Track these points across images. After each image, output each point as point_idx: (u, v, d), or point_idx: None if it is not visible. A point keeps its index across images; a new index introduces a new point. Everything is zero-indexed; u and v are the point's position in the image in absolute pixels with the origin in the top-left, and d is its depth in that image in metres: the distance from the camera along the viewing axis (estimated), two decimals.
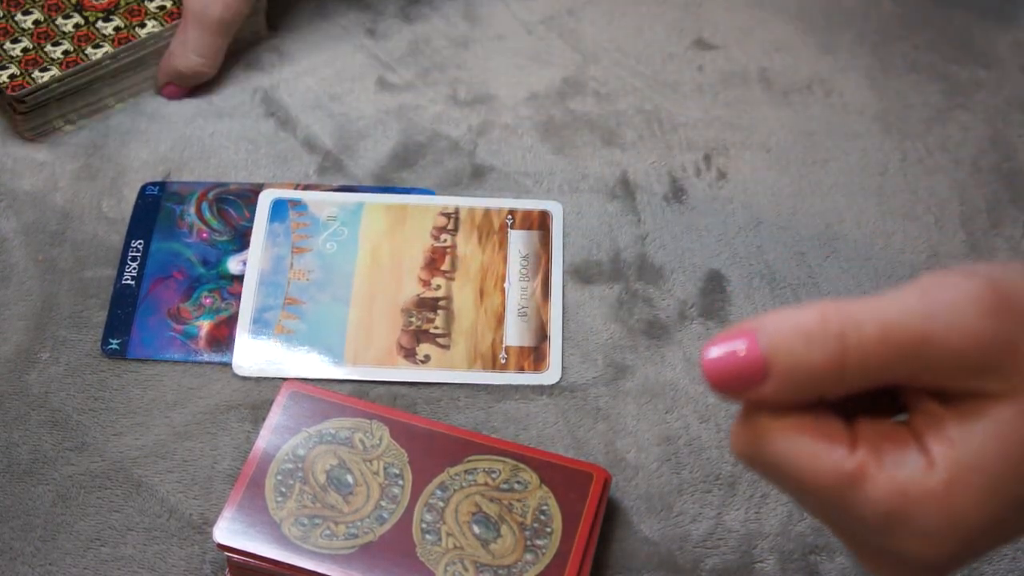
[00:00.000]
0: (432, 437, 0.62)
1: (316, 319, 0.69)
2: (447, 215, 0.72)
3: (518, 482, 0.61)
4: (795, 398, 0.42)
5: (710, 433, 0.66)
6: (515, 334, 0.68)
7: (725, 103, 0.78)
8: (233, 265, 0.71)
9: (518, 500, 0.60)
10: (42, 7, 0.77)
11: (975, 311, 0.41)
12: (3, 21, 0.76)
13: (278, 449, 0.61)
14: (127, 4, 0.77)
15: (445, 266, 0.70)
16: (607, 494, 0.61)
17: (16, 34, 0.76)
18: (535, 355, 0.68)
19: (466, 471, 0.61)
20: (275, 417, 0.62)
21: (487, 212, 0.72)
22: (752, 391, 0.42)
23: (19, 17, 0.77)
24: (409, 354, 0.67)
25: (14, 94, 0.73)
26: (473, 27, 0.82)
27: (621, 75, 0.80)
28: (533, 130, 0.77)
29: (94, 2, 0.77)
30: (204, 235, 0.71)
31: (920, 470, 0.42)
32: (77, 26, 0.76)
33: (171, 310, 0.69)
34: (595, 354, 0.68)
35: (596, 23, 0.82)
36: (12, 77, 0.74)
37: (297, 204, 0.72)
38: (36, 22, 0.76)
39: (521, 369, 0.67)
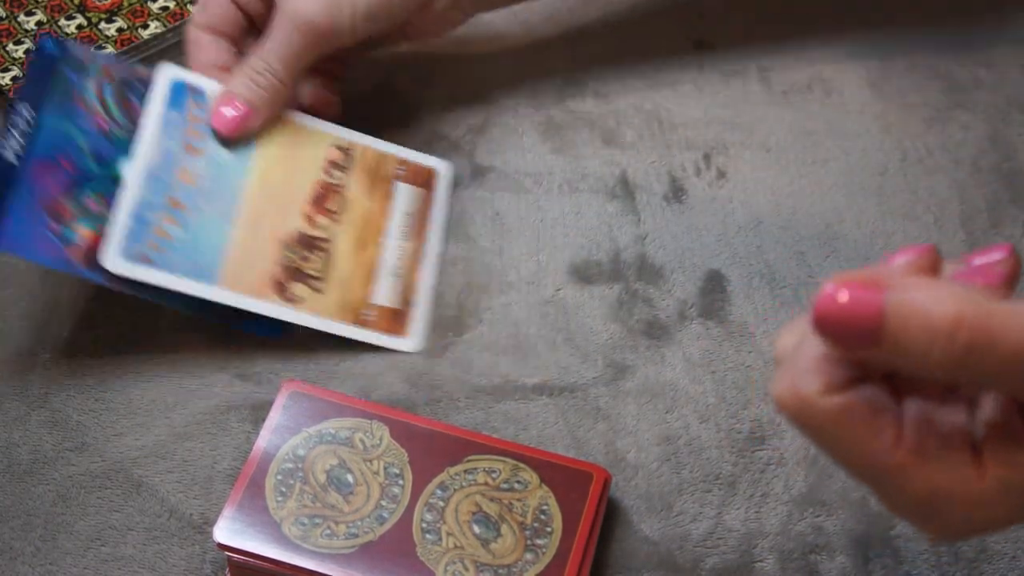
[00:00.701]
0: (432, 437, 0.62)
1: (197, 230, 0.64)
2: (342, 149, 0.70)
3: (518, 482, 0.61)
4: (895, 369, 0.41)
5: (710, 433, 0.66)
6: (384, 293, 0.66)
7: (725, 102, 0.78)
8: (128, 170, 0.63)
9: (518, 500, 0.60)
10: (45, 8, 0.77)
11: None
12: (6, 22, 0.77)
13: (278, 449, 0.61)
14: (130, 5, 0.77)
15: (331, 205, 0.68)
16: (607, 494, 0.61)
17: (19, 35, 0.76)
18: (397, 318, 0.66)
19: (466, 471, 0.61)
20: (275, 417, 0.62)
21: (381, 157, 0.70)
22: (855, 347, 0.40)
23: (22, 18, 0.77)
24: (281, 290, 0.66)
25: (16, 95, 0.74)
26: (474, 26, 0.82)
27: (621, 74, 0.80)
28: (533, 129, 0.77)
29: (97, 3, 0.77)
30: (102, 123, 0.63)
31: (966, 479, 0.41)
32: (80, 27, 0.77)
33: (49, 203, 0.60)
34: (595, 354, 0.68)
35: (597, 22, 0.83)
36: (15, 79, 0.74)
37: (198, 93, 0.68)
38: (39, 23, 0.77)
39: (383, 330, 0.66)
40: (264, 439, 0.62)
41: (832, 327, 0.40)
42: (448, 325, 0.69)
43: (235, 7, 0.70)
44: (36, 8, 0.77)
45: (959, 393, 0.44)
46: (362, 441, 0.62)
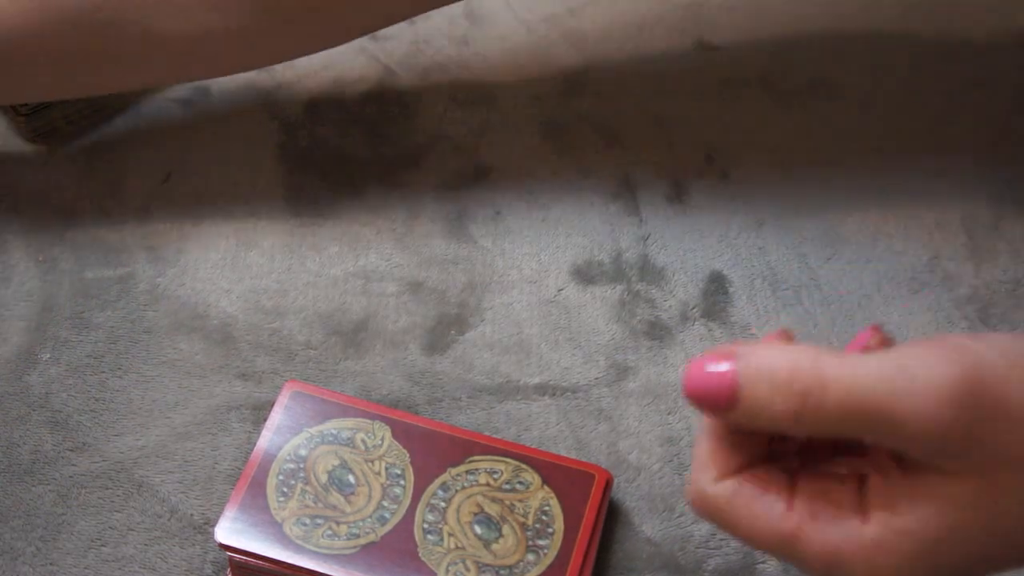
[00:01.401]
0: (434, 437, 0.62)
1: None
2: None
3: (520, 482, 0.61)
4: (757, 428, 0.44)
5: None
6: None
7: (727, 103, 0.78)
8: None
9: (520, 500, 0.60)
10: None
11: (941, 398, 0.42)
12: None
13: (280, 449, 0.61)
14: None
15: None
16: (609, 494, 0.61)
17: None
18: None
19: (468, 471, 0.61)
20: (277, 417, 0.62)
21: None
22: (719, 414, 0.44)
23: None
24: None
25: None
26: (474, 26, 0.82)
27: (623, 75, 0.80)
28: (534, 129, 0.77)
29: None
30: None
31: (854, 528, 0.44)
32: None
33: None
34: (597, 355, 0.68)
35: (597, 22, 0.83)
36: None
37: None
38: None
39: None
40: (265, 439, 0.61)
41: (698, 397, 0.44)
42: (450, 324, 0.69)
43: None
44: None
45: (848, 450, 0.46)
46: (364, 441, 0.62)
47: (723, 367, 0.44)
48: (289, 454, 0.61)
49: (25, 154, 0.75)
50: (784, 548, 0.45)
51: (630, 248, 0.72)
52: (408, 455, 0.61)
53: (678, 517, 0.63)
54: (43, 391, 0.66)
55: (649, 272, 0.71)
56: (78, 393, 0.66)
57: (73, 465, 0.64)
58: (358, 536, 0.59)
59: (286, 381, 0.64)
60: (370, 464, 0.61)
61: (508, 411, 0.66)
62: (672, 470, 0.64)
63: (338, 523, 0.59)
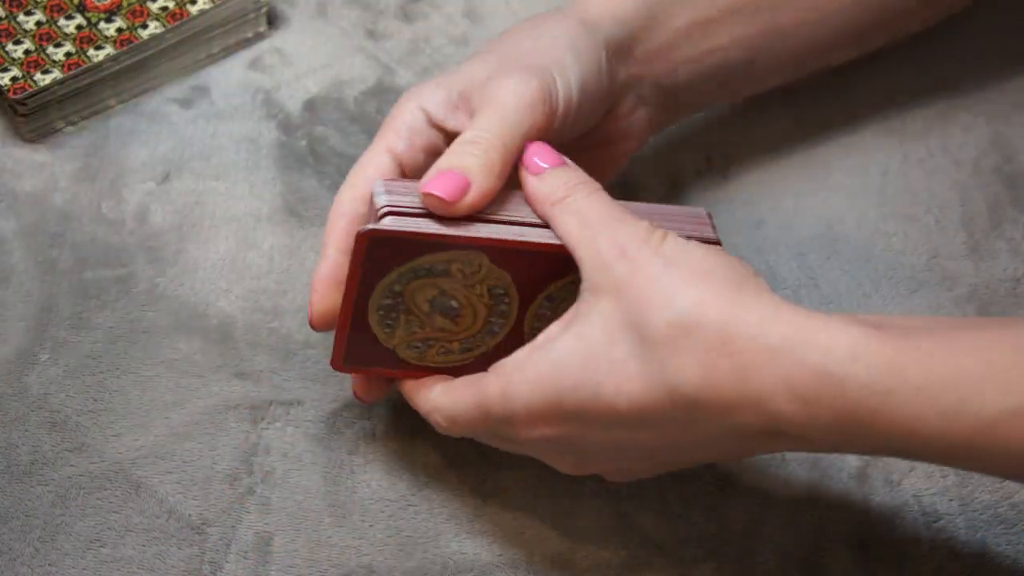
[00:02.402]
0: (534, 257, 0.59)
1: None
2: None
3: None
4: None
5: None
6: None
7: (726, 103, 0.78)
8: None
9: None
10: (44, 8, 0.77)
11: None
12: (5, 22, 0.77)
13: (371, 290, 0.58)
14: (129, 5, 0.77)
15: None
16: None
17: (18, 35, 0.76)
18: None
19: (572, 282, 0.58)
20: (358, 268, 0.58)
21: None
22: None
23: (21, 18, 0.77)
24: None
25: (16, 97, 0.73)
26: (474, 26, 0.82)
27: None
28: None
29: (96, 3, 0.77)
30: None
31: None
32: (79, 27, 0.76)
33: None
34: None
35: None
36: (14, 80, 0.74)
37: None
38: (38, 23, 0.77)
39: None
40: (352, 290, 0.58)
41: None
42: None
43: (397, 169, 0.63)
44: (35, 9, 0.77)
45: None
46: (460, 270, 0.59)
47: None
48: (383, 292, 0.59)
49: (25, 154, 0.75)
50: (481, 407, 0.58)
51: None
52: (509, 276, 0.59)
53: (678, 516, 0.63)
54: (42, 392, 0.66)
55: None
56: (77, 394, 0.66)
57: (71, 466, 0.64)
58: (471, 349, 0.60)
59: (359, 232, 0.57)
60: (471, 289, 0.59)
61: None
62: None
63: (449, 341, 0.60)
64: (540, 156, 0.59)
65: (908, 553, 0.62)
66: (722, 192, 0.75)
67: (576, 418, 0.55)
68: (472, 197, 0.57)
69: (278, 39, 0.81)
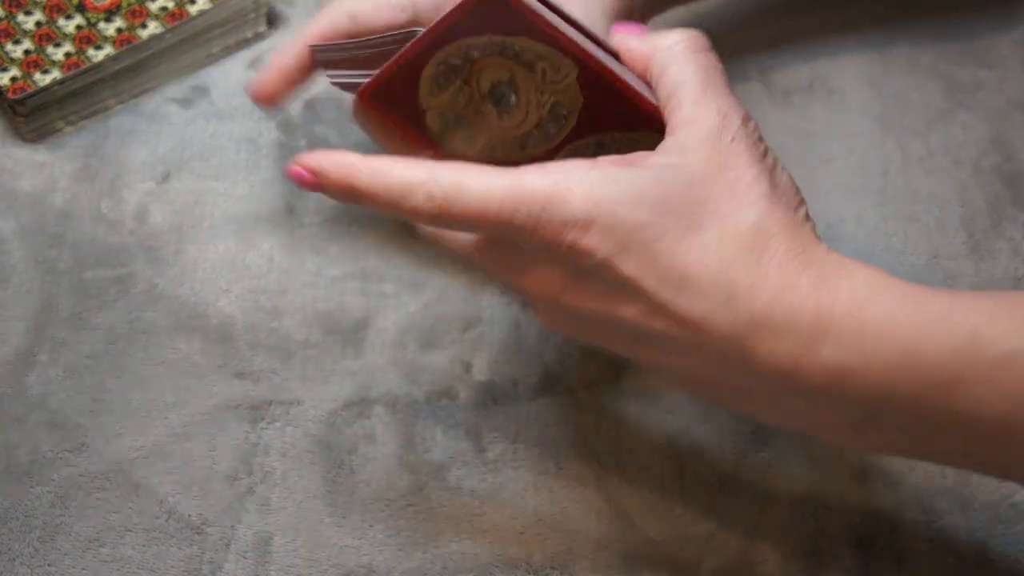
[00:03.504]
0: (620, 99, 0.56)
1: None
2: None
3: None
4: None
5: (712, 434, 0.65)
6: None
7: None
8: None
9: None
10: (44, 8, 0.77)
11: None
12: (5, 22, 0.77)
13: (450, 42, 0.55)
14: (129, 5, 0.77)
15: None
16: None
17: (18, 35, 0.76)
18: None
19: (634, 140, 0.57)
20: (456, 16, 0.55)
21: None
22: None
23: (20, 18, 0.77)
24: None
25: (15, 97, 0.73)
26: None
27: None
28: None
29: (96, 3, 0.77)
30: None
31: (580, 167, 0.53)
32: (79, 27, 0.76)
33: None
34: (598, 354, 0.68)
35: None
36: (13, 80, 0.74)
37: None
38: (38, 23, 0.77)
39: None
40: (436, 32, 0.55)
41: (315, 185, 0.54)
42: (449, 323, 0.69)
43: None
44: (34, 8, 0.77)
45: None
46: (544, 71, 0.56)
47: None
48: (460, 50, 0.56)
49: (25, 154, 0.75)
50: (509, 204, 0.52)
51: None
52: (582, 101, 0.56)
53: (678, 516, 0.63)
54: (41, 392, 0.66)
55: None
56: (76, 394, 0.66)
57: (71, 466, 0.64)
58: (494, 151, 0.57)
59: None
60: (539, 95, 0.56)
61: (506, 410, 0.66)
62: (672, 469, 0.64)
63: (479, 133, 0.57)
64: (636, 29, 0.58)
65: (908, 553, 0.62)
66: None
67: (641, 249, 0.51)
68: None
69: (278, 39, 0.81)
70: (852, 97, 0.79)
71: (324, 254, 0.72)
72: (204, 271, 0.71)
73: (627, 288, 0.51)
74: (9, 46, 0.76)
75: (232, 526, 0.63)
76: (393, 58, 0.56)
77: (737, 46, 0.81)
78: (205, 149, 0.76)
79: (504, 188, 0.51)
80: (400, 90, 0.57)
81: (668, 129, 0.53)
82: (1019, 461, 0.51)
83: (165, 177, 0.75)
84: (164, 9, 0.77)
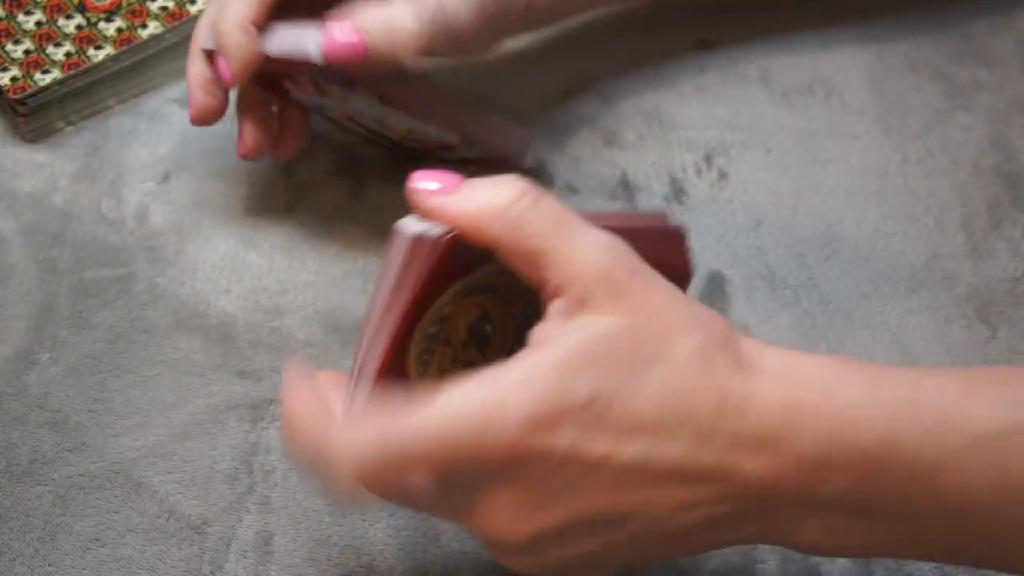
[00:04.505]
0: None
1: None
2: None
3: None
4: None
5: None
6: None
7: (726, 103, 0.78)
8: None
9: None
10: (44, 8, 0.77)
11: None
12: (5, 22, 0.77)
13: (422, 316, 0.52)
14: (129, 5, 0.77)
15: None
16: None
17: (18, 35, 0.76)
18: None
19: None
20: (420, 286, 0.51)
21: None
22: None
23: (21, 18, 0.77)
24: None
25: (15, 97, 0.73)
26: None
27: (621, 74, 0.80)
28: (533, 130, 0.77)
29: (96, 3, 0.77)
30: None
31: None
32: (79, 27, 0.76)
33: None
34: None
35: (597, 21, 0.82)
36: (13, 79, 0.74)
37: None
38: (38, 23, 0.77)
39: None
40: (398, 323, 0.52)
41: None
42: None
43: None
44: (35, 8, 0.77)
45: None
46: (505, 284, 0.54)
47: None
48: (433, 317, 0.52)
49: (25, 154, 0.75)
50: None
51: None
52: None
53: None
54: (42, 391, 0.66)
55: None
56: (77, 393, 0.66)
57: (71, 466, 0.64)
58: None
59: (432, 238, 0.51)
60: (507, 307, 0.55)
61: (590, 377, 0.65)
62: None
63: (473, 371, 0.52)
64: (439, 177, 0.51)
65: None
66: (723, 193, 0.75)
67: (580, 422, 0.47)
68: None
69: None
70: (852, 97, 0.79)
71: (324, 253, 0.72)
72: (204, 271, 0.71)
73: (599, 471, 0.47)
74: (9, 46, 0.76)
75: (233, 526, 0.63)
76: (377, 363, 0.52)
77: (737, 46, 0.81)
78: (205, 149, 0.76)
79: (439, 425, 0.47)
80: (393, 381, 0.53)
81: (553, 292, 0.49)
82: (1013, 552, 0.49)
83: (165, 177, 0.75)
84: (164, 9, 0.77)
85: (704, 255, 0.72)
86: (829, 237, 0.73)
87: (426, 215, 0.49)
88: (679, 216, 0.73)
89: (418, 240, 0.49)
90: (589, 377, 0.47)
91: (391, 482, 0.48)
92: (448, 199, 0.48)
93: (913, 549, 0.51)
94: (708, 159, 0.76)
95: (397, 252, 0.50)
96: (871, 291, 0.71)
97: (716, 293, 0.71)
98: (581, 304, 0.48)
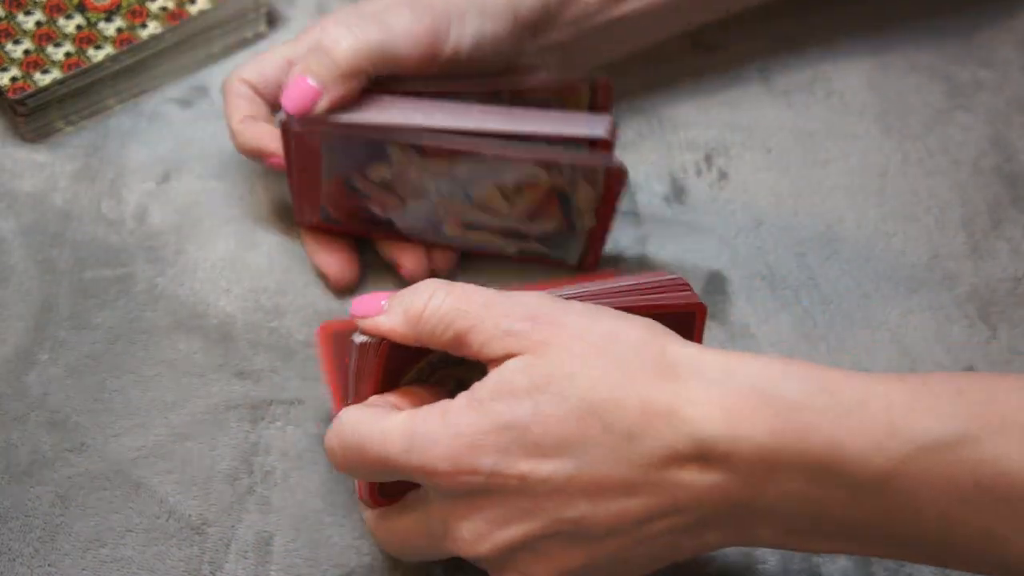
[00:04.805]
0: None
1: None
2: None
3: None
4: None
5: None
6: None
7: (725, 103, 0.78)
8: None
9: None
10: (44, 8, 0.77)
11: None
12: (5, 22, 0.77)
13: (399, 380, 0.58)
14: (129, 5, 0.77)
15: None
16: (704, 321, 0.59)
17: (18, 35, 0.76)
18: None
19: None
20: (375, 381, 0.57)
21: None
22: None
23: (21, 18, 0.77)
24: None
25: (15, 97, 0.73)
26: None
27: (621, 74, 0.80)
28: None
29: (96, 3, 0.77)
30: None
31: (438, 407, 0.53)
32: (79, 27, 0.76)
33: None
34: None
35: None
36: (13, 80, 0.74)
37: None
38: (38, 23, 0.77)
39: None
40: (370, 393, 0.57)
41: None
42: None
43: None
44: (34, 8, 0.77)
45: None
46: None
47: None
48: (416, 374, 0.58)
49: (25, 154, 0.75)
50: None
51: (628, 248, 0.72)
52: None
53: None
54: (41, 391, 0.66)
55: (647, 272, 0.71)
56: (76, 393, 0.66)
57: (71, 466, 0.64)
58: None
59: (372, 343, 0.57)
60: (479, 366, 0.57)
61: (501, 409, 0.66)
62: None
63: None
64: (370, 302, 0.57)
65: None
66: (723, 193, 0.75)
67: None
68: (324, 103, 0.65)
69: (278, 39, 0.81)
70: (852, 97, 0.79)
71: None
72: (204, 271, 0.71)
73: (527, 488, 0.51)
74: (9, 46, 0.76)
75: (232, 526, 0.63)
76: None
77: (737, 46, 0.81)
78: (205, 149, 0.76)
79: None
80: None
81: (478, 359, 0.54)
82: (962, 557, 0.50)
83: (165, 177, 0.74)
84: (164, 9, 0.77)
85: (704, 255, 0.72)
86: (829, 237, 0.73)
87: (364, 333, 0.56)
88: (679, 216, 0.73)
89: (364, 347, 0.56)
90: (501, 408, 0.51)
91: (351, 468, 0.55)
92: (376, 320, 0.55)
93: (869, 549, 0.52)
94: (708, 159, 0.76)
95: (352, 356, 0.57)
96: (871, 291, 0.71)
97: (716, 293, 0.71)
98: (497, 361, 0.52)
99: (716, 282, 0.71)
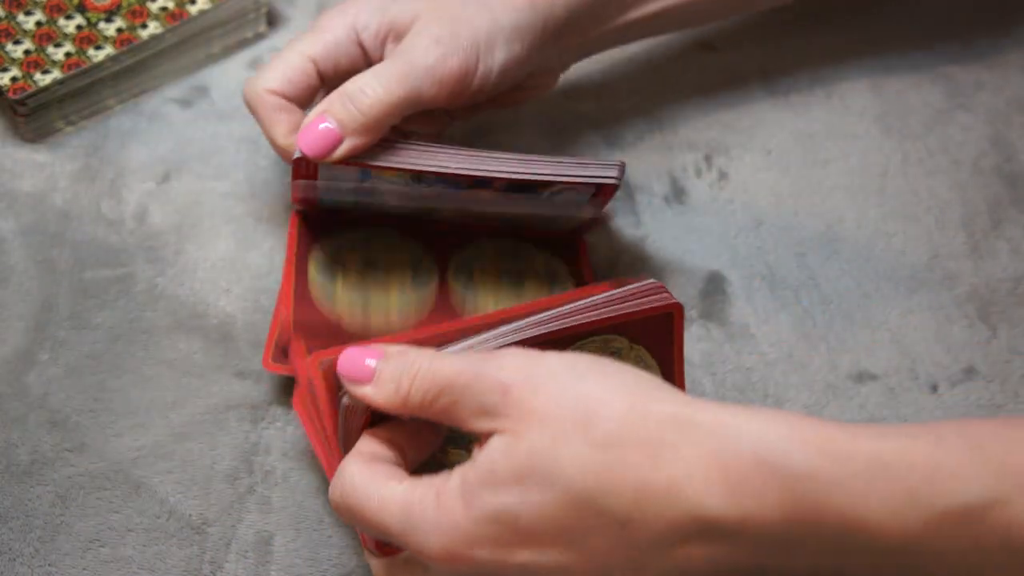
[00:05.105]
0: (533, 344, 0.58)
1: None
2: None
3: (612, 352, 0.59)
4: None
5: None
6: None
7: (726, 104, 0.78)
8: None
9: None
10: (44, 8, 0.77)
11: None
12: (5, 22, 0.77)
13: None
14: (129, 5, 0.77)
15: None
16: (683, 320, 0.60)
17: (18, 35, 0.76)
18: None
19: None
20: (358, 431, 0.57)
21: None
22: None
23: (21, 18, 0.77)
24: None
25: (15, 97, 0.73)
26: None
27: (622, 75, 0.80)
28: (534, 130, 0.77)
29: (96, 3, 0.77)
30: None
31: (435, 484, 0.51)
32: (79, 27, 0.76)
33: None
34: None
35: None
36: (13, 80, 0.74)
37: None
38: (38, 23, 0.77)
39: None
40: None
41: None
42: None
43: (315, 75, 0.66)
44: (35, 9, 0.77)
45: None
46: None
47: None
48: None
49: (25, 154, 0.75)
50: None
51: (628, 249, 0.72)
52: None
53: None
54: (42, 391, 0.66)
55: (647, 273, 0.71)
56: (77, 393, 0.66)
57: (72, 466, 0.64)
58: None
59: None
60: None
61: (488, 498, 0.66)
62: None
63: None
64: (355, 360, 0.55)
65: None
66: (723, 193, 0.75)
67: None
68: (342, 151, 0.62)
69: (278, 39, 0.81)
70: (852, 98, 0.79)
71: None
72: (204, 271, 0.71)
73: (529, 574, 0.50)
74: (9, 46, 0.76)
75: (233, 526, 0.63)
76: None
77: (737, 47, 0.81)
78: (205, 149, 0.76)
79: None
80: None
81: (465, 428, 0.52)
82: None
83: (165, 177, 0.74)
84: (164, 9, 0.77)
85: (704, 255, 0.72)
86: (829, 237, 0.73)
87: (354, 399, 0.55)
88: (679, 216, 0.74)
89: (351, 408, 0.56)
90: (489, 497, 0.49)
91: (354, 524, 0.54)
92: (365, 392, 0.54)
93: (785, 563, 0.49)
94: (708, 159, 0.76)
95: (339, 415, 0.57)
96: (871, 291, 0.71)
97: (716, 293, 0.71)
98: (483, 438, 0.51)
99: (716, 282, 0.71)
